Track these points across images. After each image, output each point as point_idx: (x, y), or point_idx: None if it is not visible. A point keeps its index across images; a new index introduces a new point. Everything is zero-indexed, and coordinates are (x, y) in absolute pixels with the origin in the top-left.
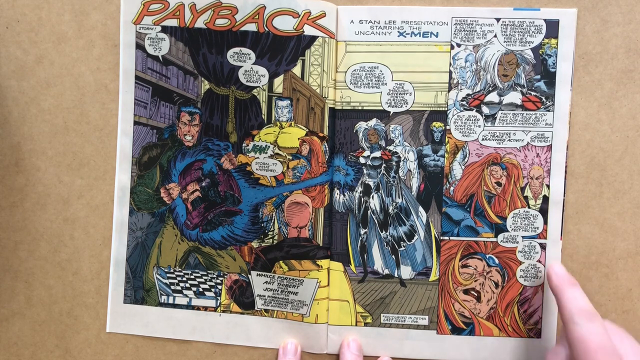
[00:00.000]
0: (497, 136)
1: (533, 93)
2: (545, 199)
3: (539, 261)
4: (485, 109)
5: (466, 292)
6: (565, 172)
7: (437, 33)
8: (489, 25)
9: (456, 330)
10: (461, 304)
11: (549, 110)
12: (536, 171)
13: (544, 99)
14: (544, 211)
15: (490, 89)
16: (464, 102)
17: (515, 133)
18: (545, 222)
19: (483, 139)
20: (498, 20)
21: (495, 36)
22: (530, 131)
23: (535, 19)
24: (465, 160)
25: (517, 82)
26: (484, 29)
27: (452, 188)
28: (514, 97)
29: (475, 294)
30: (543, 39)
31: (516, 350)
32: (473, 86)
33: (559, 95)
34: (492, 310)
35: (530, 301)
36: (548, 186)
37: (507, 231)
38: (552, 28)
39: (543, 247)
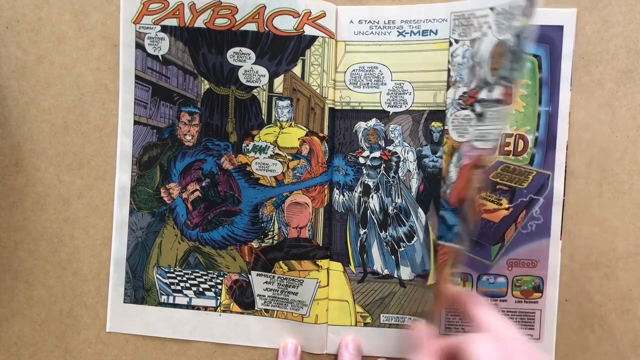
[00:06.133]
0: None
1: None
2: None
3: None
4: (478, 107)
5: None
6: (565, 172)
7: (437, 30)
8: (484, 16)
9: None
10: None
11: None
12: None
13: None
14: None
15: (483, 85)
16: (461, 101)
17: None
18: None
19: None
20: (492, 9)
21: (489, 27)
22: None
23: None
24: (460, 162)
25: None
26: (480, 21)
27: (448, 191)
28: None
29: None
30: None
31: None
32: (469, 83)
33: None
34: None
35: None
36: None
37: None
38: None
39: None
